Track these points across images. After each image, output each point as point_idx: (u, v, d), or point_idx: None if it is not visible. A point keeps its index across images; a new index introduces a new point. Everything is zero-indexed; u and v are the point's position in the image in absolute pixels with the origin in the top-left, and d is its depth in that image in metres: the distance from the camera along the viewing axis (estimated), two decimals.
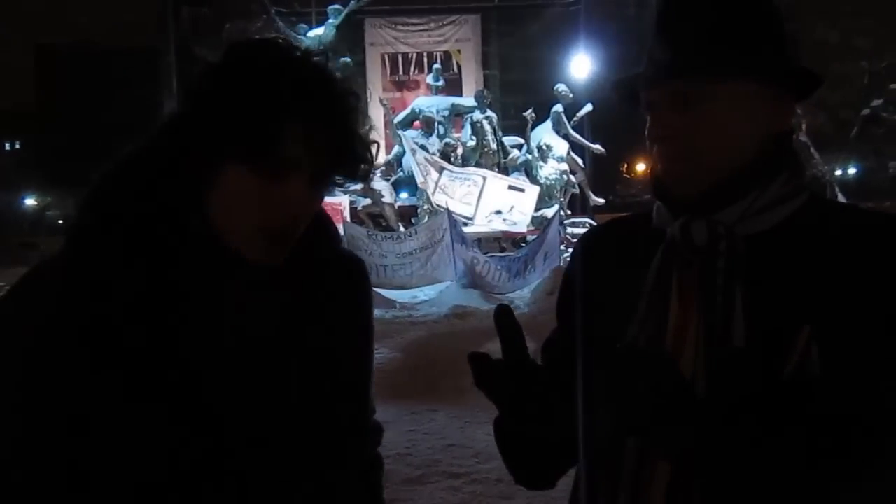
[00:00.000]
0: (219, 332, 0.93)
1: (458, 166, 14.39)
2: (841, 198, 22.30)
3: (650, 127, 1.00)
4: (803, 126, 21.85)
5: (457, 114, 15.70)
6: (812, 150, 22.71)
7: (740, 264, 0.93)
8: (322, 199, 0.98)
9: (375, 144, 0.99)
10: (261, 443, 0.93)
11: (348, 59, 17.32)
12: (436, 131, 15.00)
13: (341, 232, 11.92)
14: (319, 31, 16.14)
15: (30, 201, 49.29)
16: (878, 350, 0.87)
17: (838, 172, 24.01)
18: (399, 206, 14.61)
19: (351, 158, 0.94)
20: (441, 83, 16.38)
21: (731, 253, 0.93)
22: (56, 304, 0.87)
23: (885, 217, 0.97)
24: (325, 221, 1.08)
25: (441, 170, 13.94)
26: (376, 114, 17.99)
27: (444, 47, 20.24)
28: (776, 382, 0.88)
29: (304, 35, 15.87)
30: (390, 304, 10.32)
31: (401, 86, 20.09)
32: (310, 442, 0.96)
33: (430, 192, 13.51)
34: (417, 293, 10.96)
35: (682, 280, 0.96)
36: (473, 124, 15.22)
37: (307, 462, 0.96)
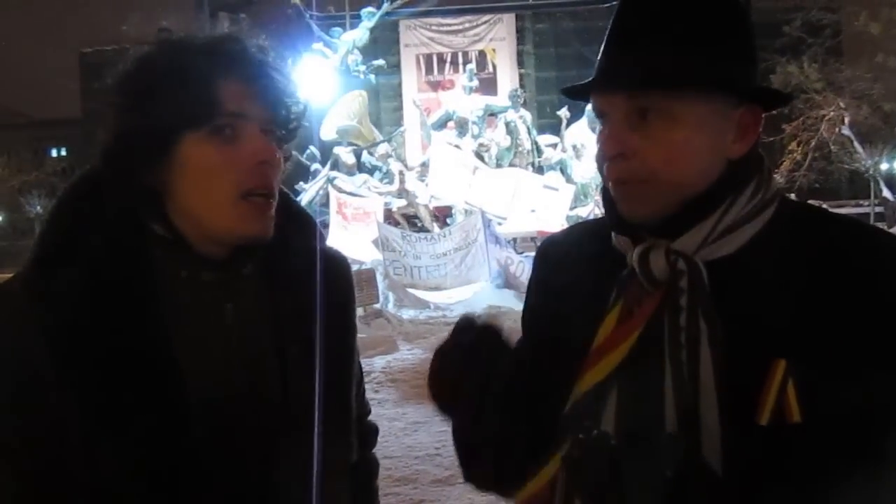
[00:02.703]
0: (192, 335, 0.94)
1: (491, 166, 14.37)
2: (887, 192, 21.73)
3: (601, 142, 0.90)
4: (846, 120, 21.33)
5: (491, 113, 15.70)
6: (855, 143, 22.12)
7: (704, 300, 0.84)
8: (282, 157, 1.00)
9: (302, 96, 1.04)
10: (237, 443, 0.94)
11: (382, 62, 17.46)
12: (469, 132, 15.01)
13: (375, 233, 11.95)
14: (353, 33, 16.27)
15: None
16: (862, 384, 0.79)
17: (884, 166, 23.31)
18: (434, 207, 14.66)
19: (284, 107, 1.00)
20: (475, 83, 16.39)
21: (694, 289, 0.85)
22: (24, 322, 0.89)
23: (859, 226, 0.88)
24: (305, 219, 1.10)
25: (475, 170, 13.94)
26: (410, 116, 18.10)
27: (479, 46, 20.26)
28: (752, 434, 0.80)
29: (338, 38, 16.02)
30: (424, 304, 10.36)
31: (435, 86, 20.16)
32: (288, 441, 0.97)
33: (463, 192, 13.53)
34: (451, 293, 10.98)
35: (644, 315, 0.87)
36: (507, 124, 15.20)
37: (284, 461, 0.97)
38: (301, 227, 1.08)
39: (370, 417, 1.27)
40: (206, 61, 0.93)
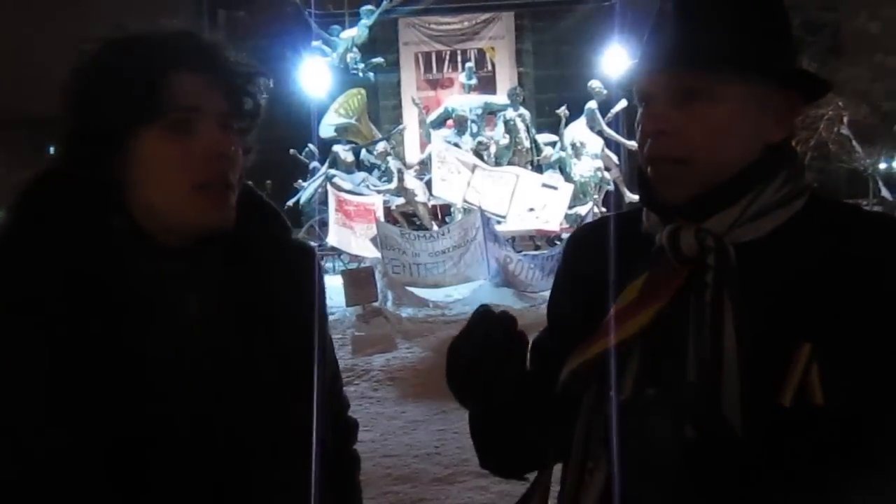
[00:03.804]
0: (155, 324, 0.94)
1: (490, 164, 14.36)
2: (885, 192, 21.73)
3: (643, 121, 0.92)
4: (845, 119, 21.34)
5: (490, 112, 15.68)
6: (854, 142, 22.14)
7: (731, 278, 0.86)
8: (241, 149, 0.99)
9: (262, 82, 1.03)
10: (206, 437, 0.93)
11: (381, 60, 17.44)
12: (468, 130, 14.99)
13: (374, 232, 11.96)
14: (352, 31, 16.25)
15: None
16: (886, 372, 0.80)
17: (882, 166, 23.31)
18: (432, 206, 14.64)
19: (243, 99, 1.00)
20: (474, 81, 16.36)
21: (721, 266, 0.86)
22: None
23: (888, 219, 0.90)
24: (269, 210, 1.10)
25: (474, 168, 13.93)
26: (409, 114, 18.08)
27: (478, 45, 20.20)
28: (774, 414, 0.81)
29: (337, 36, 16.00)
30: (423, 302, 10.34)
31: (434, 84, 20.11)
32: (256, 435, 0.96)
33: (462, 190, 13.52)
34: (450, 292, 10.96)
35: (671, 288, 0.89)
36: (506, 122, 15.19)
37: (253, 456, 0.96)
38: (265, 219, 1.08)
39: (351, 412, 1.27)
40: (156, 55, 0.93)
